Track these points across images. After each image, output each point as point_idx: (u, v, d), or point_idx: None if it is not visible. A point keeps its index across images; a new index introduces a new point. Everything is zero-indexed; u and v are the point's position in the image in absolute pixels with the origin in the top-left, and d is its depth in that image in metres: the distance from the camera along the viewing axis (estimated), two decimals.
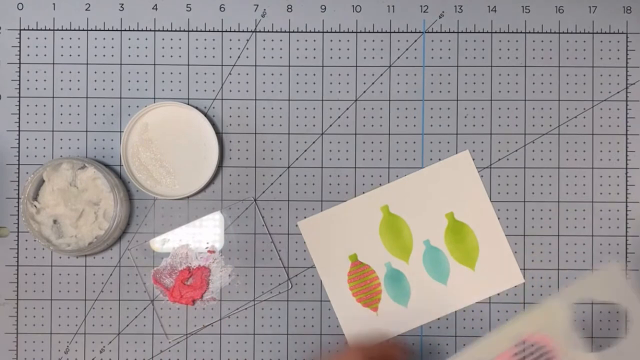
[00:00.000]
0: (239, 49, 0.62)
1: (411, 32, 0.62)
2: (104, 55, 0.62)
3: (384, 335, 0.60)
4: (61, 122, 0.61)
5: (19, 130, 0.61)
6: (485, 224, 0.61)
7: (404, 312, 0.61)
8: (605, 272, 0.48)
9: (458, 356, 0.45)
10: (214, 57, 0.62)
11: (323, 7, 0.62)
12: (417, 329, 0.61)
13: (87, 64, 0.62)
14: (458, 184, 0.61)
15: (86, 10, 0.62)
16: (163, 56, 0.61)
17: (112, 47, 0.62)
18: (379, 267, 0.61)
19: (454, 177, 0.61)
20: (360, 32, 0.62)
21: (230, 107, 0.61)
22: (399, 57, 0.62)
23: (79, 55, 0.62)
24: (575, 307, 0.46)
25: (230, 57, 0.62)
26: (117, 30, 0.62)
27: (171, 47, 0.62)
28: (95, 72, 0.62)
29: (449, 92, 0.61)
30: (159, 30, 0.62)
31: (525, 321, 0.46)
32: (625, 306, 0.48)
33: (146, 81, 0.61)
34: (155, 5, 0.62)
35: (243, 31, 0.62)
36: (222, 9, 0.62)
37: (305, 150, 0.61)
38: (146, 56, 0.62)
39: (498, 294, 0.60)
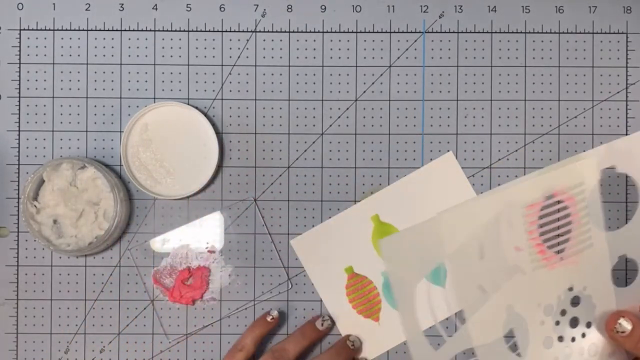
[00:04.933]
0: (239, 49, 0.62)
1: (411, 32, 0.62)
2: (104, 55, 0.62)
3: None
4: (61, 122, 0.61)
5: (19, 130, 0.61)
6: None
7: None
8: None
9: (491, 193, 0.44)
10: (214, 57, 0.62)
11: (323, 7, 0.62)
12: None
13: (87, 64, 0.62)
14: (445, 186, 0.61)
15: (86, 10, 0.62)
16: (163, 56, 0.62)
17: (112, 47, 0.62)
18: (375, 277, 0.61)
19: (440, 179, 0.61)
20: (360, 32, 0.62)
21: (230, 107, 0.62)
22: (399, 57, 0.62)
23: (79, 55, 0.62)
24: (603, 173, 0.46)
25: (230, 57, 0.62)
26: (117, 30, 0.62)
27: (171, 47, 0.62)
28: (95, 72, 0.62)
29: (449, 92, 0.61)
30: (159, 30, 0.62)
31: (558, 173, 0.45)
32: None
33: (146, 81, 0.62)
34: (155, 5, 0.62)
35: (243, 31, 0.62)
36: (222, 9, 0.62)
37: (305, 150, 0.61)
38: (146, 56, 0.62)
39: None
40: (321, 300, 0.61)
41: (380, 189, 0.61)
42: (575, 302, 0.47)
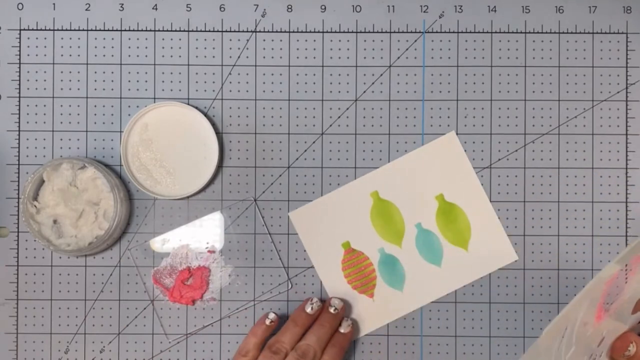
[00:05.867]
0: (239, 49, 0.62)
1: (411, 32, 0.62)
2: (104, 55, 0.62)
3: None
4: (61, 122, 0.61)
5: (19, 130, 0.61)
6: (476, 204, 0.61)
7: (400, 297, 0.61)
8: None
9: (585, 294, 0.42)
10: (214, 57, 0.62)
11: (323, 7, 0.62)
12: (417, 330, 0.61)
13: (87, 64, 0.62)
14: (446, 166, 0.61)
15: (86, 10, 0.62)
16: (163, 56, 0.62)
17: (112, 47, 0.62)
18: (372, 253, 0.61)
19: (441, 158, 0.61)
20: (360, 32, 0.62)
21: (230, 107, 0.61)
22: (399, 57, 0.62)
23: (79, 55, 0.62)
24: None
25: (230, 57, 0.62)
26: (117, 30, 0.62)
27: (171, 47, 0.62)
28: (95, 72, 0.62)
29: (449, 92, 0.61)
30: (159, 30, 0.62)
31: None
32: None
33: (146, 81, 0.61)
34: (155, 5, 0.62)
35: (243, 31, 0.62)
36: (222, 9, 0.62)
37: (305, 150, 0.61)
38: (146, 56, 0.62)
39: (498, 286, 0.61)
40: (322, 301, 0.61)
41: (380, 166, 0.61)
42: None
